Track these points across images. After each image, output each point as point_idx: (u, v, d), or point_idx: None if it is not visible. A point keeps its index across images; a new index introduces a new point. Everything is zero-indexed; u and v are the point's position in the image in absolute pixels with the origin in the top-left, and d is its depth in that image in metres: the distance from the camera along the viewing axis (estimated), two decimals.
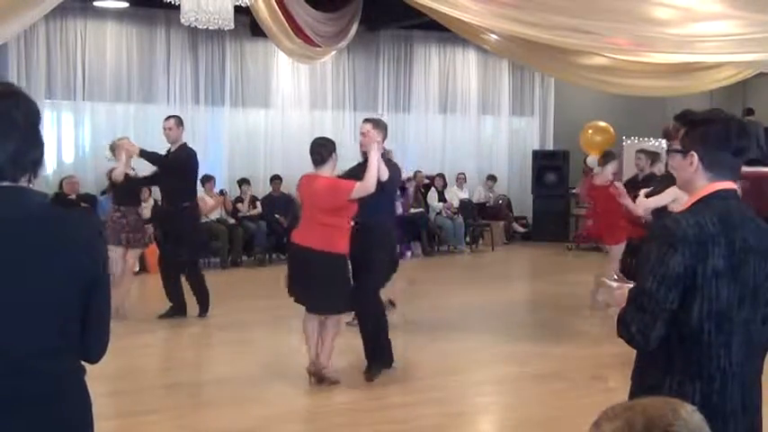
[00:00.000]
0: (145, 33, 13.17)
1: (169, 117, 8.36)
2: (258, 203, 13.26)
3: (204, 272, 12.06)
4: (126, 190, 8.14)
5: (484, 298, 10.09)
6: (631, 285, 2.58)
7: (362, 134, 6.11)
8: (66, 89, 12.68)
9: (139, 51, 13.16)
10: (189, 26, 9.05)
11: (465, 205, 15.13)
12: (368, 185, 5.74)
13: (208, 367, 6.73)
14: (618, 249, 9.12)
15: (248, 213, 13.04)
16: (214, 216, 12.78)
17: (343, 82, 14.84)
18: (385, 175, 5.85)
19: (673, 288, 2.42)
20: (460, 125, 16.09)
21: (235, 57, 13.85)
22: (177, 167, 8.07)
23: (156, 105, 13.25)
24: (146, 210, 12.21)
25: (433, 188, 14.87)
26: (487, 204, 15.77)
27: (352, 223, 6.00)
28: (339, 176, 6.29)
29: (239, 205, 13.08)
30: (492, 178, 15.95)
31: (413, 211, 13.96)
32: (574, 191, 10.06)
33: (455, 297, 10.15)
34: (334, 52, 13.00)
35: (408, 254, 13.87)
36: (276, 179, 13.39)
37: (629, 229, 8.81)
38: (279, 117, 14.28)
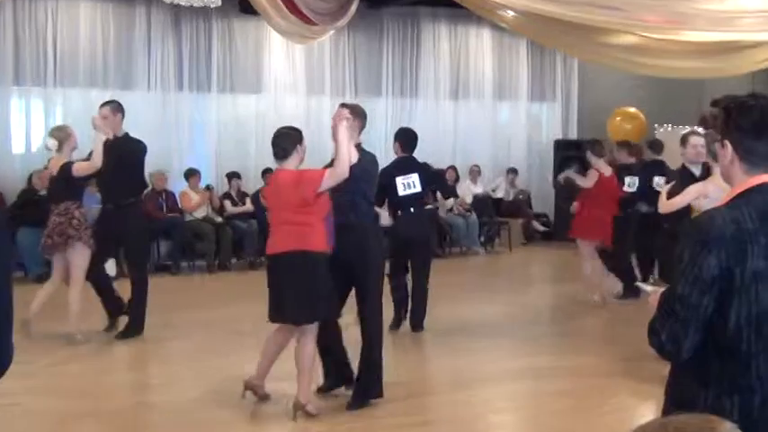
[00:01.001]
0: (122, 12, 13.19)
1: (104, 104, 8.22)
2: (248, 200, 13.28)
3: (189, 276, 12.30)
4: (68, 184, 7.82)
5: (499, 305, 10.08)
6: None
7: (335, 119, 5.92)
8: (35, 74, 12.71)
9: (117, 32, 13.17)
10: (171, 3, 9.08)
11: (479, 201, 15.11)
12: (341, 170, 5.55)
13: (186, 384, 6.69)
14: (590, 246, 9.67)
15: (237, 211, 13.05)
16: (200, 214, 12.81)
17: (342, 65, 14.84)
18: (354, 158, 5.73)
19: (707, 292, 2.41)
20: (474, 112, 16.07)
21: (222, 37, 13.86)
22: (122, 160, 7.93)
23: (136, 91, 13.27)
24: None
25: None
26: (505, 200, 15.77)
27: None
28: None
29: (227, 202, 13.09)
30: (513, 171, 15.95)
31: None
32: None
33: (467, 304, 10.13)
34: (332, 31, 12.97)
35: None
36: (269, 173, 13.36)
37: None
38: (272, 104, 14.28)
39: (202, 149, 14.05)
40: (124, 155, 7.99)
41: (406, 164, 8.27)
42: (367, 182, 6.02)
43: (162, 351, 8.00)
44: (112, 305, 8.37)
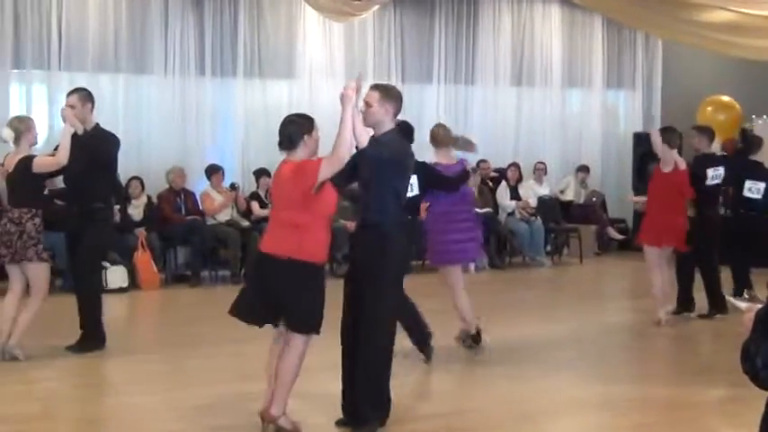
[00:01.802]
0: None
1: (72, 92, 8.30)
2: None
3: (211, 287, 12.36)
4: (28, 182, 7.79)
5: (567, 324, 10.02)
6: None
7: (365, 103, 5.96)
8: (38, 57, 12.89)
9: (130, 9, 13.31)
10: None
11: (545, 204, 15.04)
12: (338, 155, 5.53)
13: (203, 411, 6.72)
14: (661, 254, 9.66)
15: (265, 214, 13.11)
16: (223, 217, 12.89)
17: (388, 46, 14.87)
18: (364, 141, 5.73)
19: None
20: (540, 101, 16.05)
21: (250, 14, 13.96)
22: (91, 156, 7.99)
23: (151, 76, 13.42)
24: (137, 209, 12.39)
25: (503, 182, 14.80)
26: (575, 203, 15.67)
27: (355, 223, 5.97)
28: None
29: (254, 204, 13.15)
30: (584, 169, 15.86)
31: (476, 211, 13.90)
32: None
33: (529, 323, 10.08)
34: (376, 7, 13.02)
35: (472, 267, 13.83)
36: None
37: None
38: (306, 91, 14.36)
39: (226, 143, 14.15)
40: (93, 150, 8.04)
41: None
42: (399, 176, 6.01)
43: (176, 372, 8.04)
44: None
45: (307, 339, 5.79)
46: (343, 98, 5.69)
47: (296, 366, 5.79)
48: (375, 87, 6.12)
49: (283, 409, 5.82)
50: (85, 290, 8.33)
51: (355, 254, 6.08)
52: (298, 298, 5.65)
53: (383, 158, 5.79)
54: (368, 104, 5.95)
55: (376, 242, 5.86)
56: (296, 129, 5.79)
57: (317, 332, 5.76)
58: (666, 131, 9.86)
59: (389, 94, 6.04)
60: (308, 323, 5.73)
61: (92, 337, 8.26)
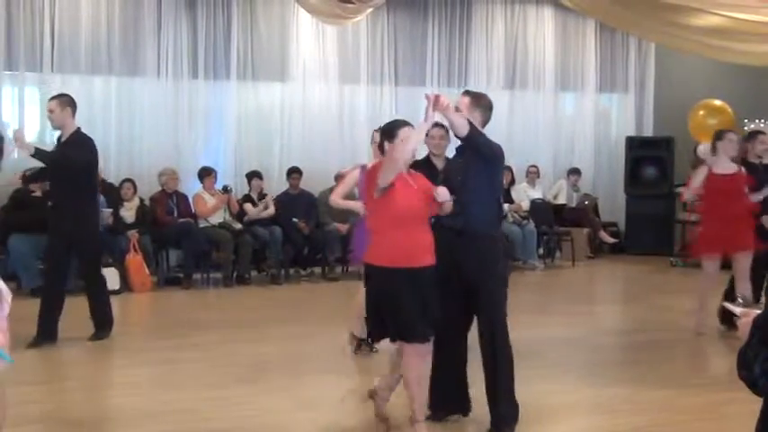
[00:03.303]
0: None
1: (53, 97, 8.46)
2: (271, 203, 13.30)
3: (203, 290, 12.34)
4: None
5: (562, 328, 10.01)
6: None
7: (455, 108, 5.88)
8: (30, 59, 12.86)
9: (123, 11, 13.30)
10: None
11: (538, 207, 15.05)
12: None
13: (193, 415, 6.71)
14: (747, 260, 9.05)
15: (259, 216, 13.08)
16: (216, 220, 12.86)
17: (381, 49, 14.86)
18: (464, 130, 5.65)
19: None
20: (532, 104, 16.05)
21: (243, 17, 13.96)
22: (75, 162, 8.16)
23: (144, 78, 13.39)
24: (129, 212, 12.36)
25: None
26: (567, 206, 15.68)
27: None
28: None
29: (247, 206, 13.12)
30: (575, 172, 15.88)
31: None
32: (679, 190, 9.77)
33: (524, 326, 10.03)
34: (369, 10, 13.01)
35: None
36: (295, 172, 13.42)
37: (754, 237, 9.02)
38: (299, 93, 14.35)
39: (219, 145, 14.13)
40: (73, 154, 8.17)
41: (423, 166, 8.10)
42: (500, 174, 6.28)
43: (167, 374, 8.01)
44: (49, 327, 8.50)
45: (416, 347, 5.59)
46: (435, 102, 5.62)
47: (409, 370, 5.67)
48: (467, 93, 6.10)
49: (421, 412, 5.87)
50: (98, 287, 8.69)
51: (461, 260, 5.85)
52: (390, 304, 5.53)
53: (494, 156, 5.92)
54: (457, 109, 5.87)
55: (489, 249, 5.91)
56: (384, 135, 5.74)
57: (419, 340, 5.58)
58: (717, 133, 9.34)
59: (479, 103, 6.02)
60: (407, 331, 5.57)
61: (105, 325, 8.68)
